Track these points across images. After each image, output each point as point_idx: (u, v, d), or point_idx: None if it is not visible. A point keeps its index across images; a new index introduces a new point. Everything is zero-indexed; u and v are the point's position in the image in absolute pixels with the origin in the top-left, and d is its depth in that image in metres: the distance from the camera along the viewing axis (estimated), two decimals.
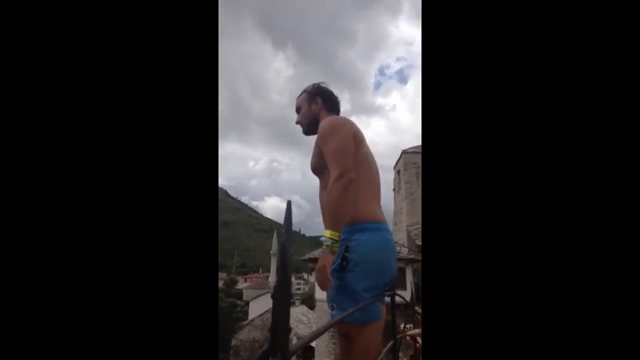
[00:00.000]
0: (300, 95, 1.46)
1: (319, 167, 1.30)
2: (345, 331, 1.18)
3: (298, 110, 1.45)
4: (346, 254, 1.12)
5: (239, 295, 37.80)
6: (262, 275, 63.35)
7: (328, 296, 1.17)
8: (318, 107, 1.41)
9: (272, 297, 0.49)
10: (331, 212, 1.10)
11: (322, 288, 1.09)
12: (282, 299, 0.49)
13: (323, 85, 1.46)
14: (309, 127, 1.42)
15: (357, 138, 1.25)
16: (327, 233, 1.08)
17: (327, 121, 1.28)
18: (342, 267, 1.12)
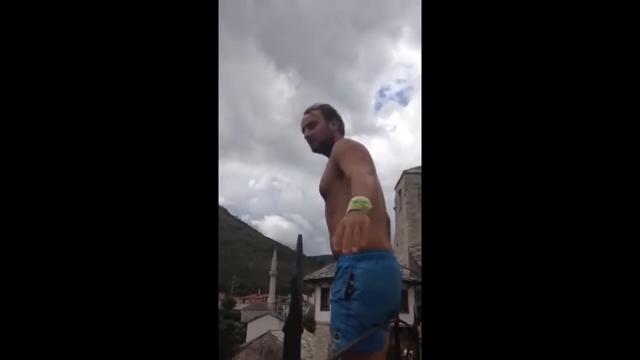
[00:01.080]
0: (312, 110, 1.46)
1: (328, 189, 1.30)
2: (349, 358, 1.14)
3: (311, 125, 1.45)
4: (351, 282, 1.10)
5: (237, 316, 37.06)
6: (260, 297, 62.36)
7: (331, 324, 1.15)
8: (335, 127, 1.44)
9: (284, 330, 0.48)
10: (363, 185, 0.98)
11: (349, 247, 0.79)
12: (294, 332, 0.47)
13: (333, 108, 1.49)
14: (323, 144, 1.43)
15: (372, 161, 1.26)
16: (357, 200, 0.91)
17: (345, 140, 1.31)
18: (347, 295, 1.10)
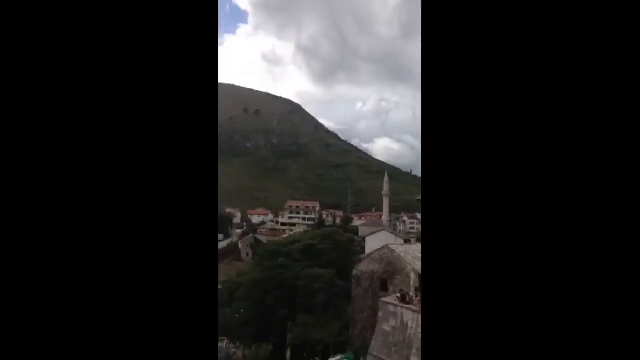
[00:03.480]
0: None
1: None
2: None
3: None
4: None
5: (355, 231, 40.16)
6: (375, 214, 65.39)
7: None
8: None
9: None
10: None
11: None
12: None
13: None
14: None
15: None
16: None
17: None
18: None
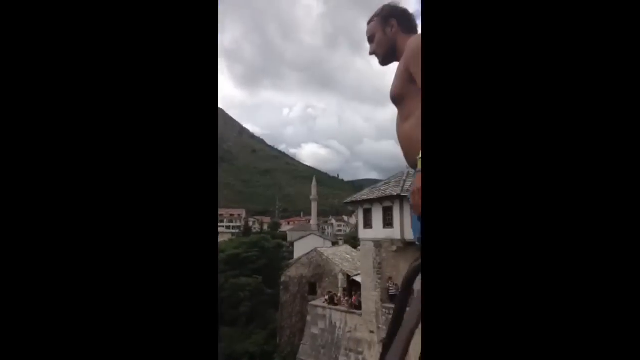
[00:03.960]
0: (370, 22, 1.31)
1: (401, 95, 1.20)
2: None
3: (370, 39, 1.31)
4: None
5: (284, 237, 40.06)
6: (303, 219, 66.21)
7: (415, 234, 1.15)
8: (394, 30, 1.27)
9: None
10: None
11: (417, 211, 0.98)
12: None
13: (394, 4, 1.30)
14: (386, 55, 1.29)
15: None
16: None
17: (417, 37, 1.16)
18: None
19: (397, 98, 1.22)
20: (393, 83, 1.23)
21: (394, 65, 1.26)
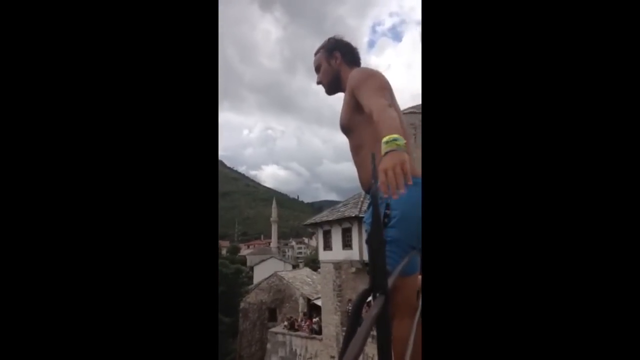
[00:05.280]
0: (317, 53, 1.39)
1: (349, 126, 1.26)
2: (396, 282, 1.19)
3: (317, 69, 1.38)
4: (387, 211, 1.12)
5: (243, 261, 38.73)
6: (263, 242, 64.64)
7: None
8: (338, 62, 1.34)
9: (367, 242, 0.55)
10: (389, 120, 1.00)
11: (396, 190, 0.86)
12: (377, 243, 0.54)
13: (339, 37, 1.38)
14: (331, 85, 1.36)
15: (390, 89, 1.22)
16: (389, 140, 0.91)
17: (358, 70, 1.25)
18: (384, 224, 1.11)
19: (346, 128, 1.29)
20: (341, 114, 1.30)
21: None
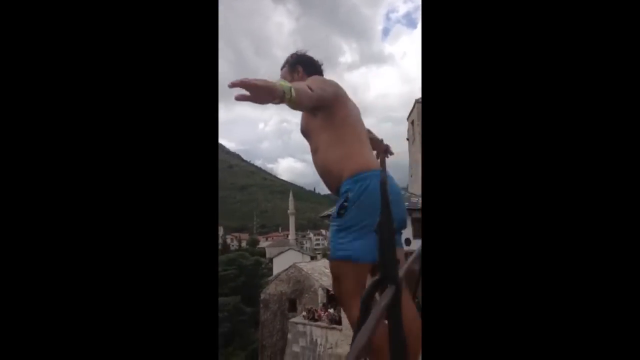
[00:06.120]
0: (282, 68, 1.47)
1: (306, 129, 1.36)
2: (333, 268, 1.22)
3: None
4: (345, 203, 1.18)
5: (262, 253, 39.37)
6: (281, 234, 65.33)
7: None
8: (300, 75, 1.41)
9: (376, 230, 0.56)
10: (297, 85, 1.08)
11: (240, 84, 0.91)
12: (387, 232, 0.56)
13: (301, 52, 1.47)
14: None
15: (341, 94, 1.31)
16: (283, 82, 1.00)
17: (312, 77, 1.32)
18: (339, 214, 1.19)
19: (305, 132, 1.39)
20: (301, 120, 1.40)
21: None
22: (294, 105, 1.02)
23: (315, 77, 1.29)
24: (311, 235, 69.37)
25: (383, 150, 1.65)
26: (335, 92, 1.28)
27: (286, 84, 0.98)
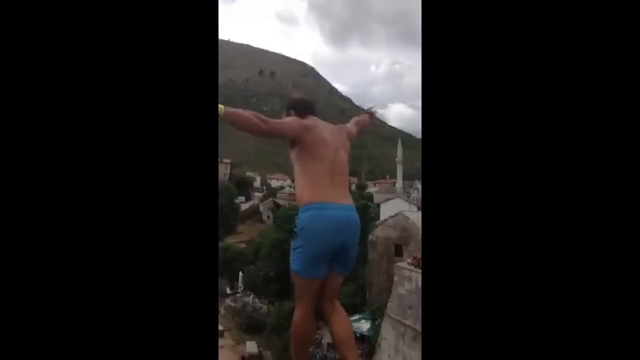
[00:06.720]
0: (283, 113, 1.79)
1: (290, 156, 1.67)
2: (291, 277, 1.57)
3: None
4: (295, 229, 1.52)
5: (370, 198, 40.62)
6: (389, 181, 65.46)
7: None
8: (284, 115, 1.73)
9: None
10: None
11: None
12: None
13: (291, 99, 1.82)
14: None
15: (305, 132, 1.55)
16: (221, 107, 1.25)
17: (287, 117, 1.69)
18: (292, 237, 1.55)
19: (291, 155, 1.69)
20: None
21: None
22: (230, 123, 1.32)
23: (288, 117, 1.63)
24: (418, 185, 67.45)
25: (370, 118, 2.07)
26: (297, 129, 1.54)
27: (221, 106, 1.24)
